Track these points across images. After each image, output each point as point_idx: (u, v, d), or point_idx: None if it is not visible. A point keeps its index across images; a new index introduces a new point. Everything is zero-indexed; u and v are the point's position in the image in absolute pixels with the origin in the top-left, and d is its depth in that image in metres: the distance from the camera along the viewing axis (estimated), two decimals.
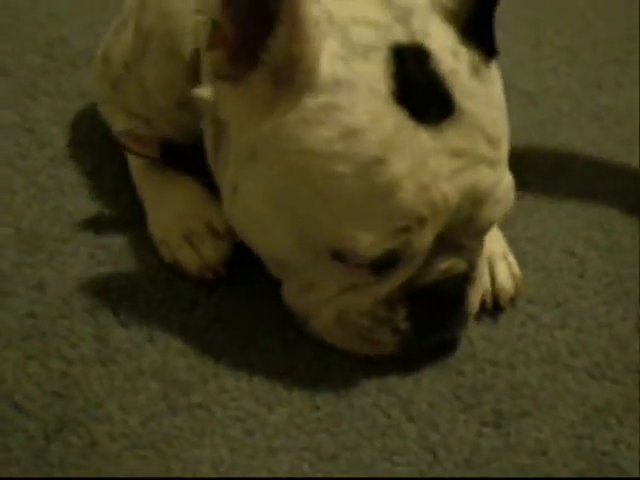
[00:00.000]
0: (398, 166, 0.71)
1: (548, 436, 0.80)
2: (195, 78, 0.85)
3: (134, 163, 0.97)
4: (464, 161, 0.74)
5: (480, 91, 0.76)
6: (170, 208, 0.91)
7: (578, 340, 0.90)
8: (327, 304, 0.80)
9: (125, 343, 0.83)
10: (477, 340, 0.87)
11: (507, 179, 0.78)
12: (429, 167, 0.72)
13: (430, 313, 0.79)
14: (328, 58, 0.72)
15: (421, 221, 0.73)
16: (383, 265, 0.75)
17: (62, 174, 1.02)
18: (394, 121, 0.72)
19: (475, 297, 0.81)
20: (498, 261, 0.90)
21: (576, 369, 0.87)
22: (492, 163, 0.75)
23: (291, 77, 0.72)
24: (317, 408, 0.79)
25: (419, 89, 0.73)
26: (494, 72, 0.78)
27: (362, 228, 0.72)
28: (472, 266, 0.80)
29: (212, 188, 0.89)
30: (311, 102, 0.72)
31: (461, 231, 0.76)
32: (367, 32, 0.74)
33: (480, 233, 0.78)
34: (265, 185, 0.75)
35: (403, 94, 0.72)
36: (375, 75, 0.72)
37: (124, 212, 0.97)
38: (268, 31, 0.73)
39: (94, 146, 1.06)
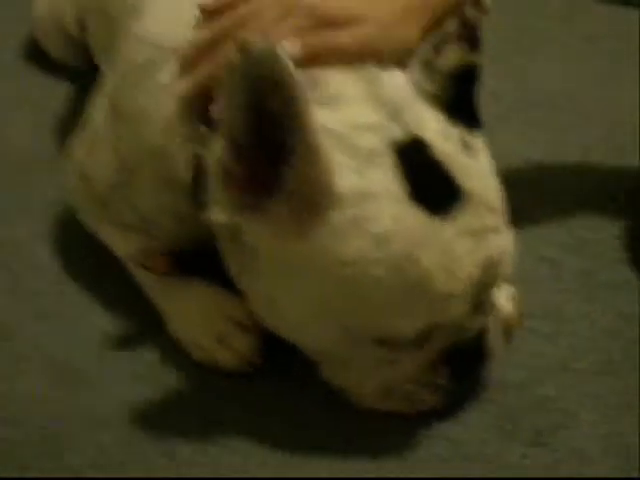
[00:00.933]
0: (427, 260, 0.79)
1: (582, 442, 0.91)
2: (197, 198, 0.90)
3: (142, 275, 1.01)
4: (477, 237, 0.82)
5: (475, 166, 0.84)
6: (193, 313, 0.97)
7: (576, 342, 1.00)
8: (369, 378, 0.88)
9: (197, 454, 0.89)
10: (496, 367, 0.96)
11: (509, 235, 0.87)
12: (452, 253, 0.80)
13: (467, 365, 0.88)
14: (340, 171, 0.79)
15: (452, 300, 0.81)
16: (423, 340, 0.84)
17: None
18: (416, 220, 0.79)
19: (498, 337, 0.91)
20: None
21: (583, 371, 0.97)
22: (497, 230, 0.84)
23: (312, 198, 0.78)
24: (380, 468, 0.88)
25: (428, 182, 0.81)
26: (480, 141, 0.86)
27: (401, 317, 0.80)
28: (490, 312, 0.89)
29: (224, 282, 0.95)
30: (338, 217, 0.78)
31: (483, 293, 0.85)
32: (367, 137, 0.80)
33: (494, 286, 0.88)
34: (306, 295, 0.82)
35: (416, 191, 0.80)
36: (388, 180, 0.79)
37: (141, 320, 1.02)
38: (280, 162, 0.78)
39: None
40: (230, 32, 0.86)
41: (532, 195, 1.19)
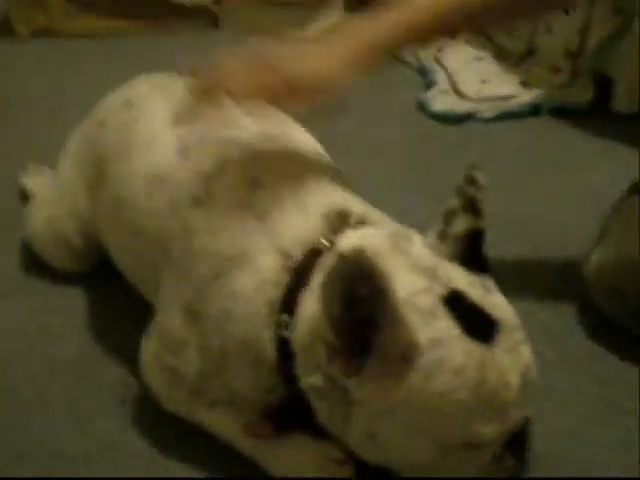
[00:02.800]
0: (493, 377, 1.05)
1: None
2: (283, 371, 1.13)
3: (243, 443, 1.22)
4: (514, 352, 1.08)
5: (496, 301, 1.11)
6: (293, 459, 1.19)
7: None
8: (450, 476, 1.12)
9: None
10: None
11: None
12: (504, 368, 1.06)
13: (522, 446, 1.14)
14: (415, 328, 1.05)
15: (513, 404, 1.07)
16: (498, 438, 1.09)
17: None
18: (477, 351, 1.05)
19: None
20: None
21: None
22: (524, 342, 1.10)
23: (401, 352, 1.03)
24: None
25: (475, 321, 1.07)
26: (492, 282, 1.13)
27: (483, 425, 1.06)
28: None
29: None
30: (423, 362, 1.04)
31: (525, 392, 1.11)
32: (423, 298, 1.06)
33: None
34: (405, 427, 1.06)
35: (469, 329, 1.06)
36: (449, 325, 1.05)
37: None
38: (370, 331, 1.03)
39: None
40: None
41: None
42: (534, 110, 2.19)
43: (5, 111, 2.22)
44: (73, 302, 1.55)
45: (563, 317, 1.49)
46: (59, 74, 2.40)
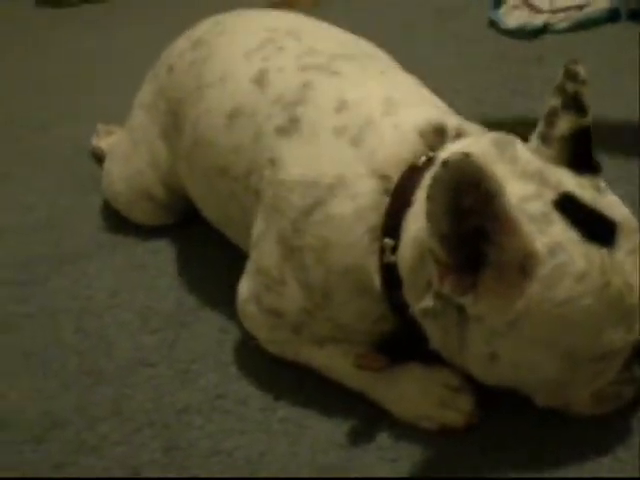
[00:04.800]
0: (617, 281, 0.99)
1: None
2: (390, 298, 1.08)
3: (356, 378, 1.16)
4: (637, 254, 1.02)
5: (609, 200, 1.04)
6: (413, 392, 1.13)
7: None
8: (585, 392, 1.06)
9: None
10: None
11: None
12: (629, 271, 1.00)
13: None
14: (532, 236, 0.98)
15: (638, 307, 1.01)
16: (627, 346, 1.03)
17: None
18: (597, 254, 0.99)
19: None
20: None
21: None
22: None
23: (518, 263, 0.97)
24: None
25: (591, 224, 1.00)
26: (603, 182, 1.06)
27: (612, 332, 0.99)
28: None
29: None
30: (543, 271, 0.97)
31: None
32: (536, 205, 1.00)
33: None
34: (529, 342, 1.00)
35: (586, 232, 0.99)
36: (565, 230, 0.99)
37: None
38: (482, 242, 0.97)
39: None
40: None
41: None
42: (612, 16, 2.09)
43: (68, 77, 2.20)
44: (162, 257, 1.53)
45: None
46: (113, 36, 2.37)
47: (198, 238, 1.51)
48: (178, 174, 1.42)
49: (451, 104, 1.26)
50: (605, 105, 1.69)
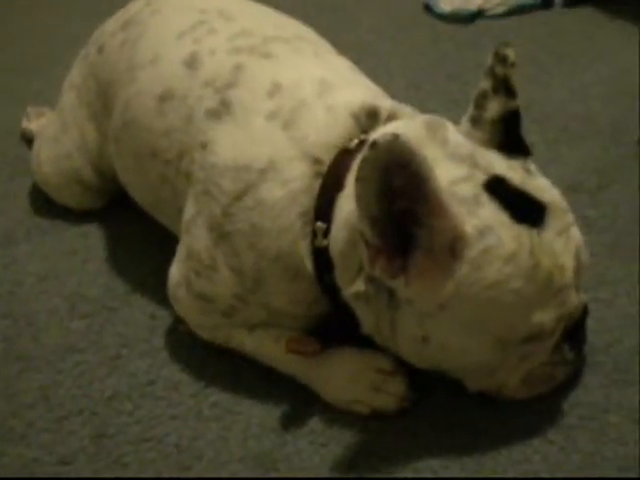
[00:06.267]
0: (546, 262, 0.99)
1: None
2: (322, 282, 1.07)
3: (287, 362, 1.15)
4: (565, 234, 1.02)
5: (540, 182, 1.04)
6: (344, 376, 1.12)
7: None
8: (512, 375, 1.06)
9: None
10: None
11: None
12: (559, 252, 1.00)
13: (580, 337, 1.08)
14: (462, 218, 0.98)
15: (568, 288, 1.01)
16: (556, 328, 1.03)
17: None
18: (526, 236, 0.99)
19: None
20: None
21: None
22: (573, 224, 1.04)
23: (447, 245, 0.97)
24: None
25: (521, 205, 1.00)
26: (532, 165, 1.06)
27: (541, 313, 1.00)
28: None
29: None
30: (472, 253, 0.97)
31: (578, 276, 1.05)
32: (466, 188, 0.99)
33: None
34: (459, 324, 1.00)
35: (516, 214, 0.99)
36: (494, 213, 0.99)
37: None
38: (411, 225, 0.96)
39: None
40: None
41: None
42: (546, 2, 2.10)
43: None
44: (91, 241, 1.50)
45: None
46: (48, 15, 2.33)
47: (128, 222, 1.49)
48: (107, 157, 1.40)
49: (386, 88, 1.25)
50: (537, 90, 1.71)
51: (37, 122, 1.72)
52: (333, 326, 1.15)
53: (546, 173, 1.08)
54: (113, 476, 1.09)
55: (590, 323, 1.12)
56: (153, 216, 1.36)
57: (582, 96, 1.70)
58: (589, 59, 1.86)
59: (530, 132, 1.11)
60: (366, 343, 1.12)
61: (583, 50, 1.90)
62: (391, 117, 1.11)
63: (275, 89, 1.13)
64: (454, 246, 0.97)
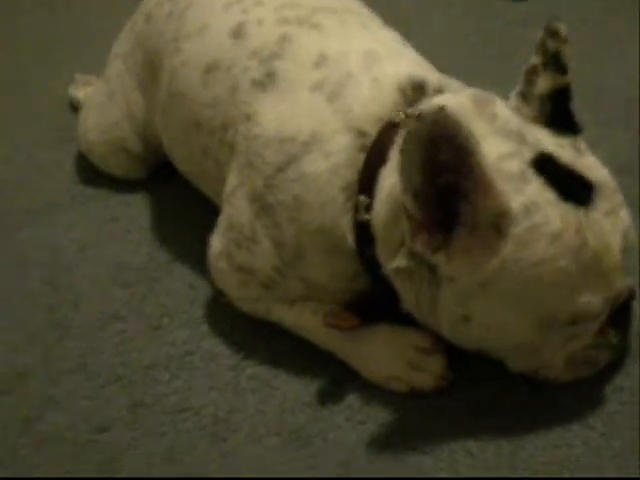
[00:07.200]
0: (593, 242, 0.97)
1: None
2: (363, 257, 1.06)
3: (326, 337, 1.14)
4: (614, 215, 1.00)
5: (589, 162, 1.02)
6: (382, 353, 1.11)
7: None
8: (558, 356, 1.04)
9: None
10: None
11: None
12: (604, 232, 0.98)
13: (625, 322, 1.06)
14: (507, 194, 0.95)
15: (615, 270, 0.99)
16: (603, 310, 1.00)
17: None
18: (573, 215, 0.97)
19: None
20: None
21: None
22: (622, 205, 1.02)
23: (492, 222, 0.95)
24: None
25: (568, 184, 0.98)
26: (583, 143, 1.04)
27: (587, 294, 0.97)
28: None
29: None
30: (518, 231, 0.95)
31: (624, 258, 1.02)
32: (513, 164, 0.97)
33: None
34: (502, 303, 0.98)
35: (564, 193, 0.97)
36: (541, 190, 0.97)
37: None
38: (456, 201, 0.95)
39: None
40: None
41: None
42: None
43: (44, 26, 2.16)
44: (135, 210, 1.50)
45: None
46: None
47: (172, 192, 1.48)
48: (153, 127, 1.39)
49: (433, 65, 1.22)
50: (589, 69, 1.67)
51: (84, 90, 1.72)
52: (373, 303, 1.13)
53: (596, 153, 1.05)
54: (150, 445, 1.09)
55: (637, 308, 1.09)
56: (197, 187, 1.35)
57: (635, 79, 1.65)
58: None
59: (581, 111, 1.07)
60: (406, 321, 1.10)
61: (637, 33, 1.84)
62: (438, 91, 1.09)
63: (321, 60, 1.11)
64: (499, 223, 0.95)
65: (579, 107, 1.07)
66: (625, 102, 1.60)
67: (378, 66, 1.10)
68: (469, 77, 1.44)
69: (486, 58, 1.81)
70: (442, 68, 1.20)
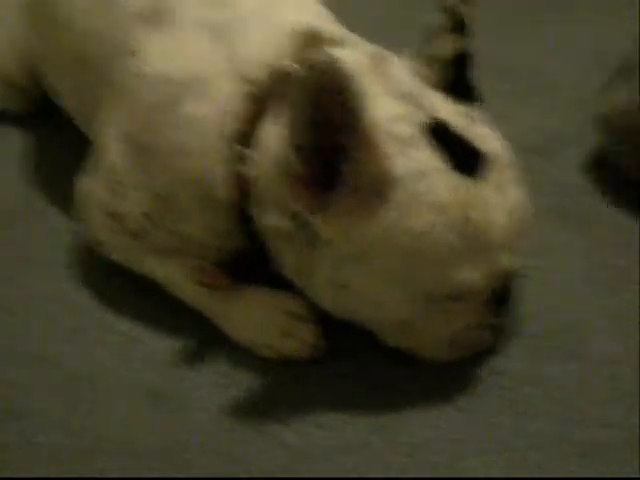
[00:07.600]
0: (477, 216, 0.92)
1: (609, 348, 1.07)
2: (242, 212, 0.99)
3: (195, 294, 1.08)
4: (503, 190, 0.95)
5: (484, 133, 0.97)
6: (254, 317, 1.05)
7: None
8: (432, 334, 0.99)
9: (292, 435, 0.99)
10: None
11: (522, 186, 1.00)
12: (493, 207, 0.93)
13: (507, 302, 1.02)
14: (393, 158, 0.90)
15: (500, 247, 0.95)
16: (487, 287, 0.96)
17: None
18: (461, 186, 0.92)
19: None
20: None
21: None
22: (515, 182, 0.98)
23: (374, 185, 0.90)
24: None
25: (459, 152, 0.93)
26: (479, 113, 0.99)
27: (470, 270, 0.93)
28: None
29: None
30: (400, 196, 0.90)
31: (515, 238, 0.98)
32: (403, 127, 0.92)
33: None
34: (381, 273, 0.93)
35: (453, 162, 0.92)
36: (431, 157, 0.92)
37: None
38: (339, 159, 0.89)
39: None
40: None
41: None
42: None
43: None
44: (11, 144, 1.39)
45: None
46: None
47: (58, 130, 1.38)
48: (37, 57, 1.30)
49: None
50: (501, 42, 1.62)
51: None
52: (249, 263, 1.07)
53: (497, 128, 1.01)
54: None
55: (528, 290, 1.07)
56: (78, 124, 1.26)
57: (548, 57, 1.61)
58: (570, 23, 1.75)
59: (484, 82, 1.02)
60: (284, 286, 1.05)
61: (564, 13, 1.79)
62: (337, 44, 1.02)
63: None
64: (381, 187, 0.90)
65: (482, 77, 1.02)
66: (532, 76, 1.55)
67: (275, 12, 1.04)
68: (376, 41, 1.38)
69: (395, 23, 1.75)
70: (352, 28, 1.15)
